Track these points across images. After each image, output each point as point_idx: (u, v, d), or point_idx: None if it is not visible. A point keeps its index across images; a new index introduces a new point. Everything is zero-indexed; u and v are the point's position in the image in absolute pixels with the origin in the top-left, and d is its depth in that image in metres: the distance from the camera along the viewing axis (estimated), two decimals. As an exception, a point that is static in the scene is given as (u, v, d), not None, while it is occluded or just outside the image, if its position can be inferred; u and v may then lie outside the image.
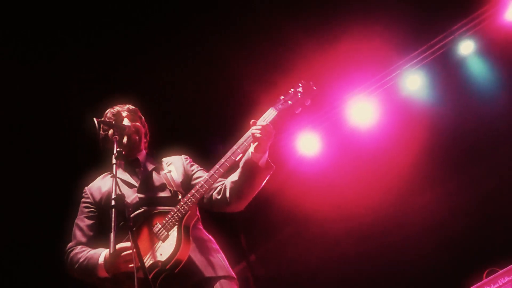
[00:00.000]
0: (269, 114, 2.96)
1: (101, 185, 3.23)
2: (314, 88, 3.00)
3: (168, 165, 3.24)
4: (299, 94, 2.99)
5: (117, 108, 3.31)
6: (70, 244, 3.12)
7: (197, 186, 2.92)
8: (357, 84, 6.86)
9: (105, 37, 5.83)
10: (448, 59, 6.60)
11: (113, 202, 2.54)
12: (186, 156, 3.33)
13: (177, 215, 2.87)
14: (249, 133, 2.93)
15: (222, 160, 2.95)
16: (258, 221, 7.51)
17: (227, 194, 2.99)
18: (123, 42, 5.93)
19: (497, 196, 6.31)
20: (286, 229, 7.68)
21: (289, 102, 2.97)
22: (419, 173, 6.83)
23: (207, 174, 2.99)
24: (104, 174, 3.32)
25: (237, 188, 2.96)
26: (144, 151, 3.35)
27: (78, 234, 3.12)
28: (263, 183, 3.00)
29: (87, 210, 3.17)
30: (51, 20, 5.56)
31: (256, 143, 2.90)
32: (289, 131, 7.21)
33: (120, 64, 5.90)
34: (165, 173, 3.17)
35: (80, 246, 3.07)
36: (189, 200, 2.88)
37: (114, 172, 2.70)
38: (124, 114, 3.27)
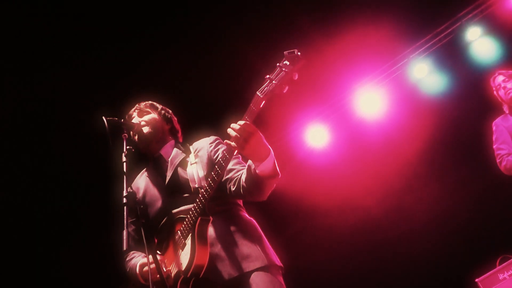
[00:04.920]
0: (255, 101, 2.55)
1: (139, 185, 3.20)
2: (300, 57, 2.46)
3: (196, 154, 3.09)
4: (283, 69, 2.47)
5: (132, 110, 3.30)
6: (124, 251, 3.15)
7: (202, 190, 2.78)
8: (365, 74, 6.83)
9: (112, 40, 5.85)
10: (456, 46, 6.55)
11: (124, 200, 2.57)
12: (212, 140, 3.13)
13: (190, 222, 2.80)
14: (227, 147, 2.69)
15: (220, 160, 2.72)
16: (268, 214, 7.51)
17: (241, 191, 2.81)
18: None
19: (509, 182, 6.27)
20: (296, 221, 7.68)
21: (273, 82, 2.49)
22: (429, 161, 6.81)
23: (210, 177, 2.77)
24: (141, 172, 3.29)
25: (248, 190, 2.78)
26: (170, 142, 3.26)
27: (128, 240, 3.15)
28: (273, 187, 2.80)
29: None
30: (66, 18, 5.58)
31: (241, 153, 2.67)
32: (298, 123, 7.21)
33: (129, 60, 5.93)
34: (191, 166, 3.02)
35: (131, 253, 3.09)
36: (198, 205, 2.78)
37: (124, 170, 2.71)
38: (135, 114, 3.26)
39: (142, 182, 3.21)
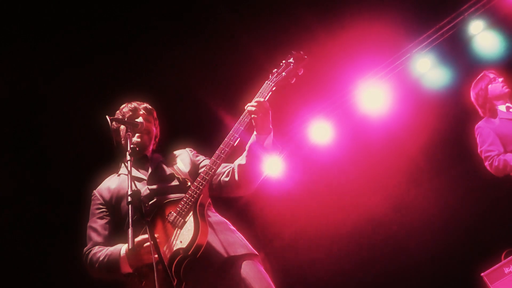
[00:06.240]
0: (265, 88, 3.01)
1: (109, 184, 3.21)
2: (305, 56, 3.06)
3: (174, 158, 3.26)
4: (291, 64, 3.05)
5: (134, 104, 3.31)
6: (87, 247, 3.10)
7: (206, 169, 2.92)
8: (368, 70, 6.81)
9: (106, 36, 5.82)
10: (458, 40, 6.53)
11: (129, 199, 2.55)
12: (190, 149, 3.35)
13: (191, 201, 2.86)
14: (244, 114, 2.97)
15: (222, 146, 2.95)
16: (270, 212, 7.51)
17: (236, 177, 2.98)
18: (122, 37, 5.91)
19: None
20: (298, 218, 7.67)
21: (283, 73, 3.03)
22: (432, 156, 6.80)
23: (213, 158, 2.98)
24: (110, 175, 3.31)
25: (245, 171, 2.96)
26: (151, 149, 3.36)
27: (93, 235, 3.10)
28: (266, 170, 3.04)
29: (98, 211, 3.15)
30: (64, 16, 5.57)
31: (255, 122, 2.93)
32: (301, 119, 7.19)
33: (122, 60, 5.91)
34: (174, 165, 3.19)
35: (97, 247, 3.05)
36: (200, 184, 2.88)
37: (128, 169, 2.69)
38: (141, 111, 3.28)
39: (114, 180, 3.23)
